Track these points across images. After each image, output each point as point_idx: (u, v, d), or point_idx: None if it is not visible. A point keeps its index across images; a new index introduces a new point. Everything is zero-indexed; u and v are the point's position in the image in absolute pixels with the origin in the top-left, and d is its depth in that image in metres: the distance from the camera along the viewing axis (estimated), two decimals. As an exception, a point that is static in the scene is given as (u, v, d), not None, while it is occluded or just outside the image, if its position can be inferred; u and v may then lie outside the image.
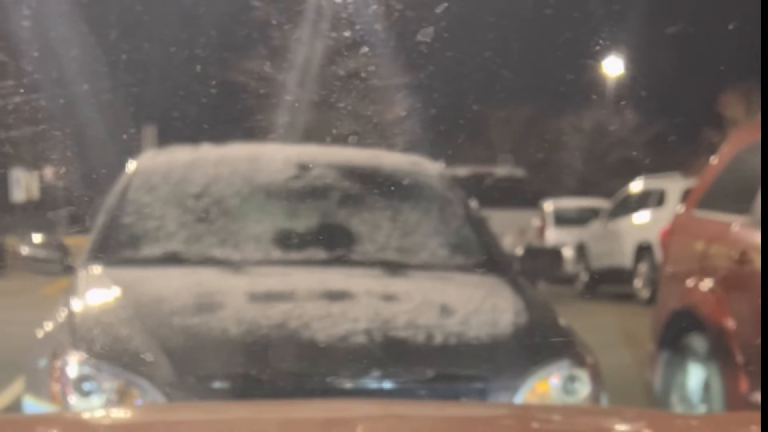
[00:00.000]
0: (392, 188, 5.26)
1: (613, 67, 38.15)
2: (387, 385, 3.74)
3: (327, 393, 3.65)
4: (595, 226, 18.38)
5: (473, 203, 5.47)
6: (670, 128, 38.29)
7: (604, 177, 38.05)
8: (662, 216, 13.98)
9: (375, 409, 2.50)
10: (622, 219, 16.99)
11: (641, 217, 16.27)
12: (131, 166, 5.32)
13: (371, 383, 3.72)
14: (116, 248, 4.81)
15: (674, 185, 15.55)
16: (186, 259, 4.68)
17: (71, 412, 3.45)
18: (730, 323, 5.10)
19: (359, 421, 2.20)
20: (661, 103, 38.25)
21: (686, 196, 7.20)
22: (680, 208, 6.72)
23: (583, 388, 3.96)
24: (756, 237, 5.02)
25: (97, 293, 4.35)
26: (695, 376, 5.55)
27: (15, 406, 6.44)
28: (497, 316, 4.16)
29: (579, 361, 4.02)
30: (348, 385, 3.71)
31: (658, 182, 16.63)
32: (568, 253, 17.14)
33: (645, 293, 15.32)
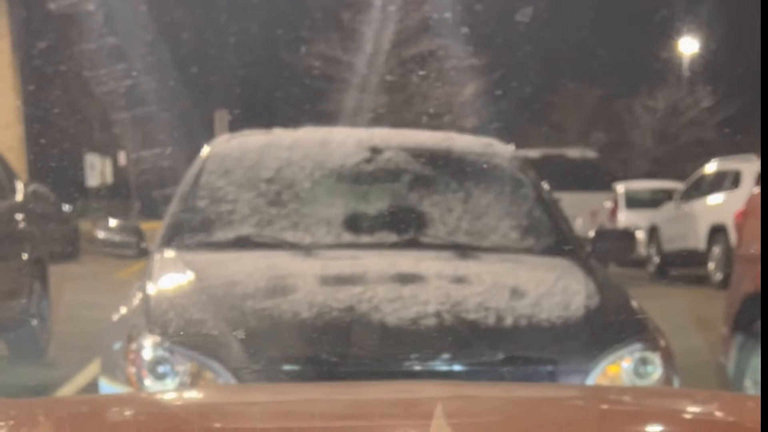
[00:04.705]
0: (463, 171, 5.25)
1: (688, 45, 37.72)
2: (457, 367, 3.74)
3: (397, 375, 3.67)
4: (668, 208, 18.20)
5: (545, 185, 5.45)
6: (745, 108, 37.80)
7: (677, 158, 37.70)
8: (737, 197, 13.81)
9: (444, 390, 2.51)
10: (696, 201, 16.81)
11: (715, 198, 16.07)
12: (205, 150, 5.37)
13: (441, 365, 3.73)
14: (190, 232, 4.86)
15: (750, 166, 15.32)
16: (258, 242, 4.71)
17: (145, 392, 3.50)
18: (806, 306, 5.03)
19: (429, 401, 2.21)
20: (736, 83, 37.71)
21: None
22: (756, 190, 6.64)
23: (655, 371, 3.93)
24: None
25: (171, 277, 4.40)
26: (770, 359, 5.49)
27: (91, 387, 6.55)
28: (568, 299, 4.14)
29: (651, 344, 3.99)
30: (418, 367, 3.72)
31: (733, 163, 16.40)
32: (640, 235, 17.01)
33: (718, 276, 15.15)
